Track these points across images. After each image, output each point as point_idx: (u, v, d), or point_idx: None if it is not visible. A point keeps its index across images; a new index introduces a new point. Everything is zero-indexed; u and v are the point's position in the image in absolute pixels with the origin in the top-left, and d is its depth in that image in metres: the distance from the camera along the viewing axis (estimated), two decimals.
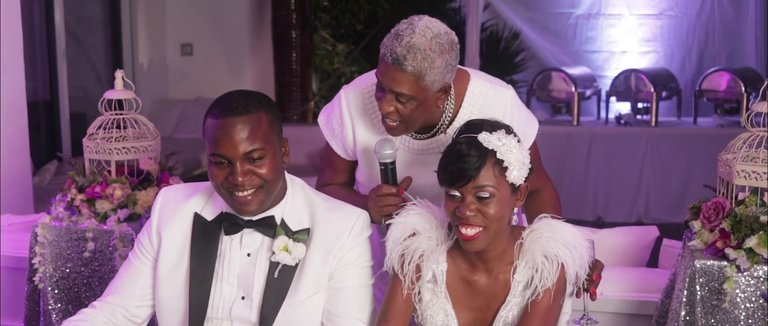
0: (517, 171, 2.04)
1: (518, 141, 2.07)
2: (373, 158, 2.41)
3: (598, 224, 6.97)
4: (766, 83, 2.77)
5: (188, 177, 7.37)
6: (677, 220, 6.60)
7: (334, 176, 2.62)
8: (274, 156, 2.11)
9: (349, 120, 2.50)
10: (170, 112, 8.60)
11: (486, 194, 2.02)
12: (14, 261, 3.80)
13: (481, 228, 2.04)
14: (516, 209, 2.13)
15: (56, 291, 3.23)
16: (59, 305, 3.23)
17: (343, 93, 2.52)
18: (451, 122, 2.42)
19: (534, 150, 2.51)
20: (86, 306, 2.32)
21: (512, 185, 2.06)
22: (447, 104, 2.39)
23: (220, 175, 2.10)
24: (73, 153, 7.63)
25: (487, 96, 2.43)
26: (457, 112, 2.42)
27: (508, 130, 2.09)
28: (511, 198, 2.08)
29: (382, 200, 2.33)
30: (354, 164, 2.61)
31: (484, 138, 2.03)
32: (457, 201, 2.05)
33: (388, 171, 2.36)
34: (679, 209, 6.72)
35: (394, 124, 2.32)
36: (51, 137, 7.63)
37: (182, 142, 7.86)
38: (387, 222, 2.30)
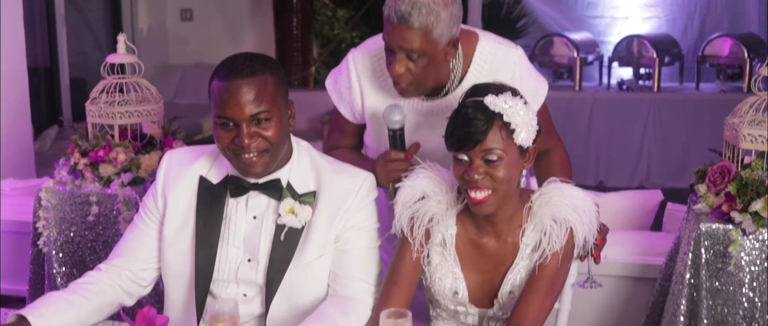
0: (525, 133, 2.03)
1: (525, 103, 2.05)
2: (382, 121, 2.40)
3: (600, 189, 6.97)
4: None
5: (189, 142, 7.34)
6: (679, 185, 6.60)
7: (342, 139, 2.62)
8: (279, 118, 2.09)
9: (357, 84, 2.49)
10: (170, 77, 8.58)
11: (494, 157, 2.01)
12: (17, 226, 3.81)
13: (490, 191, 2.03)
14: (524, 172, 2.12)
15: (61, 255, 3.24)
16: (64, 269, 3.24)
17: (350, 57, 2.51)
18: (459, 82, 2.41)
19: (544, 110, 2.50)
20: (91, 269, 2.32)
21: (520, 147, 2.05)
22: (455, 64, 2.38)
23: (226, 137, 2.08)
24: (73, 119, 7.62)
25: (495, 56, 2.42)
26: (466, 72, 2.41)
27: (514, 92, 2.07)
28: (520, 161, 2.07)
29: (390, 165, 2.32)
30: (362, 128, 2.60)
31: (491, 101, 2.01)
32: (464, 165, 2.04)
33: (396, 137, 2.35)
34: (681, 175, 6.73)
35: (406, 86, 2.31)
36: (51, 102, 7.61)
37: (183, 107, 7.83)
38: (395, 187, 2.30)
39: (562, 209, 2.10)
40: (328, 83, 2.59)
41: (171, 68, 8.74)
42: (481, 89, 2.07)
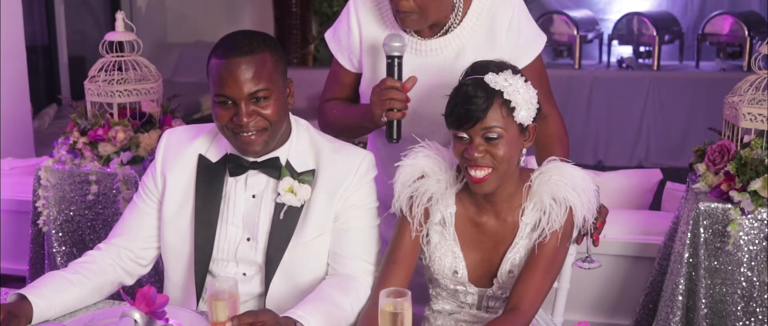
0: (525, 112, 2.03)
1: (525, 81, 2.05)
2: (378, 58, 2.42)
3: (599, 168, 6.98)
4: None
5: (188, 121, 7.33)
6: (678, 164, 6.62)
7: (339, 91, 2.62)
8: (278, 97, 2.09)
9: (356, 26, 2.51)
10: (169, 55, 8.56)
11: (494, 135, 2.01)
12: (17, 205, 3.82)
13: (490, 169, 2.04)
14: (524, 151, 2.12)
15: (61, 234, 3.24)
16: (64, 248, 3.25)
17: (351, 2, 2.53)
18: (459, 23, 2.43)
19: (540, 69, 2.51)
20: (91, 248, 2.32)
21: (520, 125, 2.05)
22: (456, 2, 2.40)
23: (224, 116, 2.08)
24: (72, 98, 7.60)
25: (495, 1, 2.44)
26: (466, 12, 2.43)
27: (515, 70, 2.07)
28: (520, 139, 2.07)
29: (385, 93, 2.29)
30: (358, 78, 2.59)
31: (491, 79, 2.01)
32: (465, 143, 2.04)
33: (394, 65, 2.33)
34: (680, 154, 6.74)
35: (408, 12, 2.32)
36: (49, 81, 7.60)
37: (182, 85, 7.79)
38: (386, 119, 2.30)
39: (562, 188, 2.11)
40: (328, 34, 2.60)
41: (169, 46, 8.72)
42: (481, 67, 2.08)
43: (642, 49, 7.29)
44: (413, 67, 2.42)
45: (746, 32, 6.92)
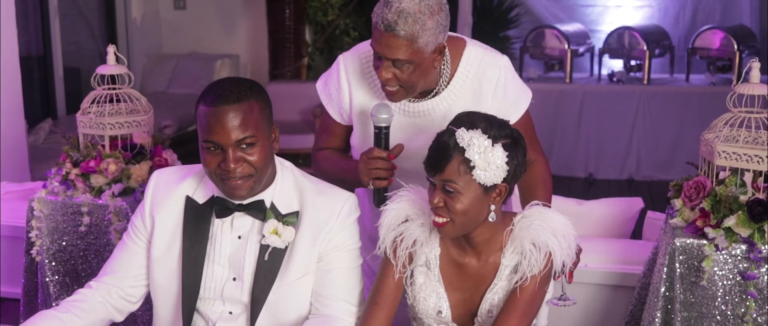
0: (485, 173, 2.03)
1: (495, 144, 2.04)
2: (368, 121, 2.45)
3: (589, 181, 7.03)
4: (747, 66, 2.80)
5: (182, 134, 7.38)
6: (668, 178, 6.66)
7: (330, 140, 2.68)
8: (264, 143, 2.15)
9: (346, 84, 2.54)
10: (164, 66, 8.58)
11: (451, 190, 2.05)
12: (12, 231, 3.84)
13: (447, 219, 2.09)
14: (492, 207, 2.12)
15: (53, 264, 3.28)
16: (57, 277, 3.28)
17: (341, 59, 2.56)
18: (447, 85, 2.47)
19: (527, 121, 2.54)
20: (83, 278, 2.38)
21: (483, 185, 2.06)
22: (443, 68, 2.44)
23: (212, 162, 2.14)
24: (67, 109, 7.61)
25: (482, 61, 2.47)
26: (453, 75, 2.47)
27: (486, 129, 2.05)
28: (484, 197, 2.08)
29: (372, 162, 2.38)
30: (349, 130, 2.65)
31: (460, 134, 2.04)
32: (431, 189, 2.11)
33: (381, 135, 2.40)
34: (670, 167, 6.79)
35: (394, 90, 2.36)
36: (45, 92, 7.59)
37: (176, 97, 7.84)
38: (373, 187, 2.37)
39: (542, 233, 2.14)
40: (319, 84, 2.64)
41: (165, 57, 8.74)
42: (460, 119, 2.10)
43: (632, 62, 7.33)
44: (402, 127, 2.49)
45: (736, 46, 6.97)
